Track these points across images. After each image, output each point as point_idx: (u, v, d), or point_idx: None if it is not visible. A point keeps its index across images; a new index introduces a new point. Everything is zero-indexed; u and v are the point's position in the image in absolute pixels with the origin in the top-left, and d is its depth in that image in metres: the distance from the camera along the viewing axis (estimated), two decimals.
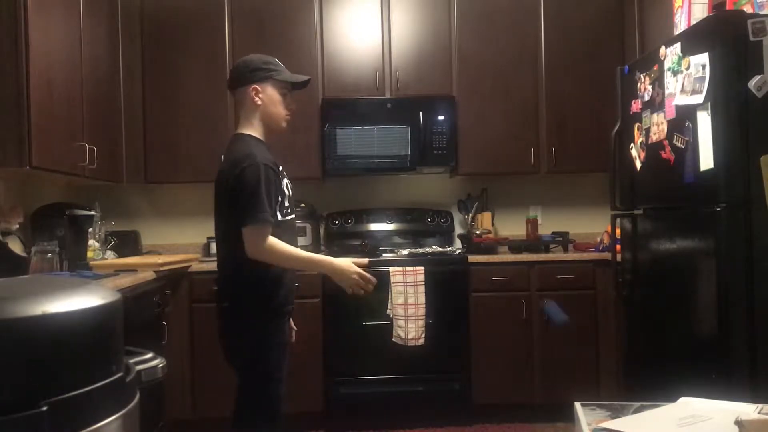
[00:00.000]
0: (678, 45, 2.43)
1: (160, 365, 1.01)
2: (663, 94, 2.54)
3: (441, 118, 3.71)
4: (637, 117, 2.79)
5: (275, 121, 2.19)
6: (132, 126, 3.64)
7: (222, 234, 2.18)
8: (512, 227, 4.08)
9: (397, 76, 3.76)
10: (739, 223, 2.17)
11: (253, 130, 2.16)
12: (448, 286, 3.45)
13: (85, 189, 3.71)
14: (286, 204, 2.16)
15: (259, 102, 2.15)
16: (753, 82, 2.15)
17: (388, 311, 3.38)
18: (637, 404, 1.40)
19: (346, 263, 2.16)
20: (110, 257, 3.33)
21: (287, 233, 2.16)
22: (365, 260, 2.20)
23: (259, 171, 2.01)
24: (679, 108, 2.42)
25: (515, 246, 3.78)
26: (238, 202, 2.01)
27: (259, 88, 2.14)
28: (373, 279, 2.17)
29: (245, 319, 2.10)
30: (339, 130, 3.68)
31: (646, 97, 2.70)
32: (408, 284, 3.37)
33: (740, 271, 2.17)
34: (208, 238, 3.77)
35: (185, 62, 3.71)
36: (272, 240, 2.02)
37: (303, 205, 3.74)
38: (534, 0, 3.81)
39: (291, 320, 2.32)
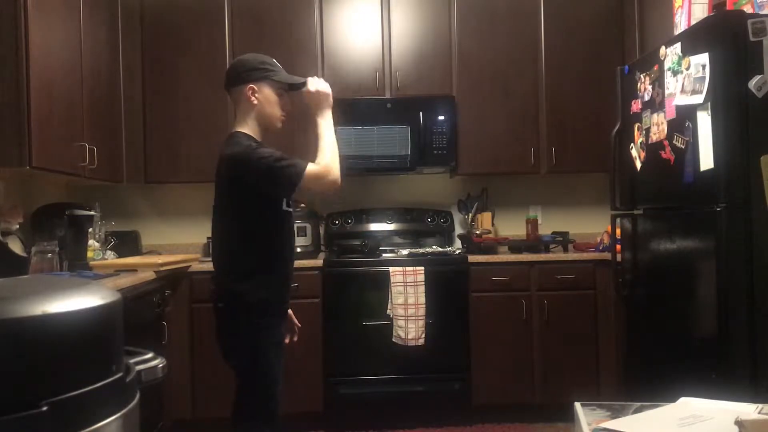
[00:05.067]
0: (678, 45, 2.43)
1: (160, 365, 1.01)
2: (663, 94, 2.54)
3: (441, 118, 3.71)
4: (637, 117, 2.79)
5: (270, 121, 2.19)
6: (132, 126, 3.64)
7: (218, 233, 2.18)
8: (512, 227, 4.08)
9: (397, 76, 3.76)
10: (739, 223, 2.17)
11: (248, 129, 2.17)
12: (448, 286, 3.45)
13: (85, 189, 3.70)
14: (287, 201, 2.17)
15: (255, 102, 2.15)
16: (753, 82, 2.15)
17: (388, 311, 3.38)
18: (637, 404, 1.40)
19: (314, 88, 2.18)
20: (110, 257, 3.33)
21: (288, 232, 2.18)
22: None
23: (257, 153, 2.04)
24: (679, 108, 2.42)
25: (515, 246, 3.78)
26: (270, 184, 2.05)
27: (255, 88, 2.14)
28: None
29: (241, 318, 2.10)
30: (339, 130, 3.64)
31: (646, 97, 2.70)
32: (408, 284, 3.37)
33: (740, 271, 2.17)
34: (208, 238, 3.76)
35: (185, 62, 3.71)
36: (316, 168, 2.08)
37: (303, 205, 3.74)
38: (534, 0, 3.81)
39: (294, 317, 2.33)
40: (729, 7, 2.46)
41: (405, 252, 3.67)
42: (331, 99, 2.20)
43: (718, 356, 2.22)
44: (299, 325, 2.36)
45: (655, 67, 2.61)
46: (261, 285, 2.11)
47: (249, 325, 2.09)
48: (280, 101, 2.19)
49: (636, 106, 2.81)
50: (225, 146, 2.13)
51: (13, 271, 2.38)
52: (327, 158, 2.11)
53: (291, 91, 2.24)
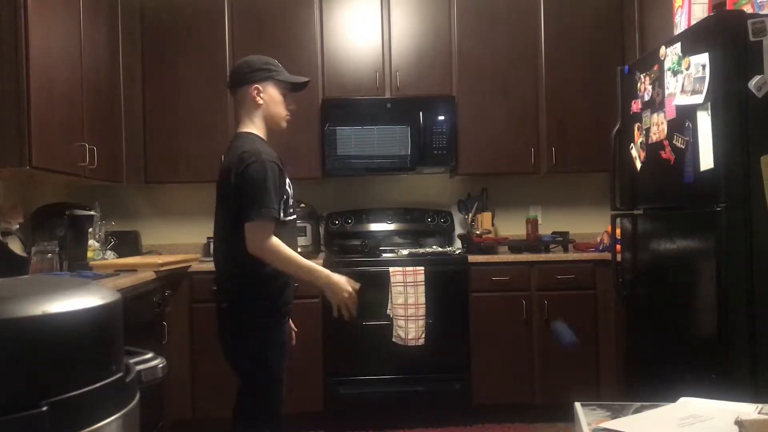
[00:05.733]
0: (678, 45, 2.43)
1: (160, 365, 1.01)
2: (663, 94, 2.54)
3: (441, 118, 3.71)
4: (637, 117, 2.79)
5: (275, 121, 2.21)
6: (132, 126, 3.64)
7: (221, 233, 2.18)
8: (512, 227, 4.07)
9: (397, 76, 3.76)
10: (739, 223, 2.17)
11: (256, 128, 2.18)
12: (448, 286, 3.45)
13: (85, 189, 3.70)
14: (290, 203, 2.17)
15: (261, 102, 2.16)
16: (753, 82, 2.15)
17: (388, 311, 3.38)
18: (637, 404, 1.40)
19: (342, 279, 2.14)
20: (110, 257, 3.33)
21: (289, 233, 2.17)
22: (358, 285, 2.19)
23: (265, 167, 2.02)
24: (679, 108, 2.42)
25: (515, 246, 3.78)
26: (244, 198, 2.01)
27: (260, 88, 2.15)
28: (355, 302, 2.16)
29: (244, 319, 2.10)
30: (339, 130, 3.68)
31: (646, 97, 2.70)
32: (408, 284, 3.37)
33: (740, 271, 2.17)
34: (208, 238, 3.76)
35: (185, 62, 3.71)
36: (275, 239, 2.03)
37: (303, 205, 3.74)
38: (534, 0, 3.81)
39: (291, 321, 2.32)
40: (729, 7, 2.46)
41: (405, 252, 3.67)
42: (340, 295, 2.13)
43: (718, 356, 2.22)
44: (295, 329, 2.36)
45: (655, 67, 2.61)
46: (263, 286, 2.11)
47: (251, 326, 2.09)
48: (284, 101, 2.21)
49: (636, 106, 2.80)
50: (234, 146, 2.13)
51: (13, 271, 2.38)
52: (281, 250, 2.02)
53: (294, 91, 2.26)
